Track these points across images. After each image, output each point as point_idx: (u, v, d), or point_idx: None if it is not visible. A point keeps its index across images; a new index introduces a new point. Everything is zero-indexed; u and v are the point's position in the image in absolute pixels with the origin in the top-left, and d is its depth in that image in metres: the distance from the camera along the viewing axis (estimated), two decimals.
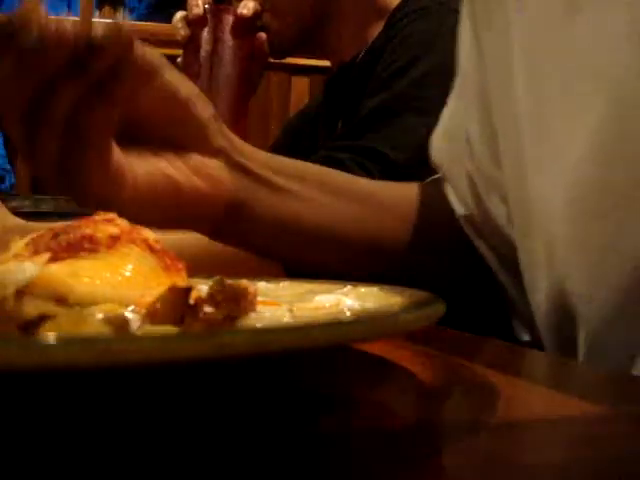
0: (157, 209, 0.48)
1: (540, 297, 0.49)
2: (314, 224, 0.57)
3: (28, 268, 0.28)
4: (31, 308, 0.26)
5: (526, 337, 0.59)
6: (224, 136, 0.51)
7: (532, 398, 0.30)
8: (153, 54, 0.46)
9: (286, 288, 0.40)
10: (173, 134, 0.48)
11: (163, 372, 0.23)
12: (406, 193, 0.65)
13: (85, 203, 0.46)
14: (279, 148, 1.07)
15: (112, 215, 0.33)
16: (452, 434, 0.25)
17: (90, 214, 0.34)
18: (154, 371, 0.22)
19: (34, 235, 0.32)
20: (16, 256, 0.31)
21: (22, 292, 0.27)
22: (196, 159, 0.49)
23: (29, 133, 0.44)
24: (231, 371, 0.27)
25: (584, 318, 0.45)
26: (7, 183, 2.66)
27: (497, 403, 0.29)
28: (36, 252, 0.30)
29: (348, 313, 0.32)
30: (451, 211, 0.63)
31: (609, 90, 0.43)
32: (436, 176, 0.67)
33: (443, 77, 0.80)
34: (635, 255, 0.42)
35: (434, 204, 0.64)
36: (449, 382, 0.33)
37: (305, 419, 0.26)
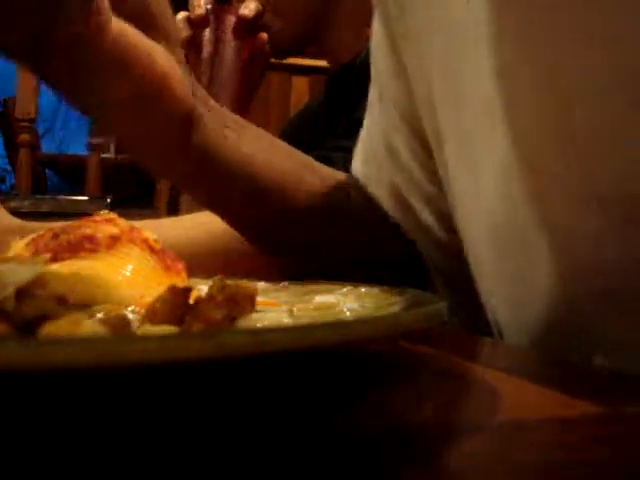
0: (128, 77, 0.46)
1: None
2: (250, 172, 0.56)
3: (28, 268, 0.28)
4: (31, 308, 0.26)
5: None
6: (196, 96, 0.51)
7: (533, 398, 0.30)
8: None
9: (286, 288, 0.40)
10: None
11: (163, 372, 0.23)
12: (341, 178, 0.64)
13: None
14: None
15: (112, 215, 0.34)
16: (453, 434, 0.25)
17: (90, 214, 0.34)
18: (154, 371, 0.22)
19: (34, 235, 0.32)
20: (16, 256, 0.31)
21: (22, 292, 0.27)
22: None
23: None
24: (230, 371, 0.27)
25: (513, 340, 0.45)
26: (7, 183, 2.66)
27: (498, 403, 0.29)
28: (36, 252, 0.30)
29: (348, 314, 0.32)
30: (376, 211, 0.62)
31: (510, 127, 0.42)
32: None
33: None
34: (545, 291, 0.42)
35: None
36: (449, 382, 0.33)
37: (304, 419, 0.26)
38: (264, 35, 0.98)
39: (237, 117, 0.57)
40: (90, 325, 0.24)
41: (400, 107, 0.59)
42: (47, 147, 3.27)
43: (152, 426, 0.25)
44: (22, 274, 0.27)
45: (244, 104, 1.00)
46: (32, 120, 1.85)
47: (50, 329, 0.25)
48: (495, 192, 0.44)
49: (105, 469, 0.21)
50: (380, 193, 0.62)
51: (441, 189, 0.54)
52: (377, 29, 0.61)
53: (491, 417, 0.27)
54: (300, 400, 0.29)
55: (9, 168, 2.60)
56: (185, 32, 0.96)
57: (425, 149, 0.56)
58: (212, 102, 0.54)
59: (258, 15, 0.96)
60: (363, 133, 0.67)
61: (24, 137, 1.85)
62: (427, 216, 0.58)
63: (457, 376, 0.34)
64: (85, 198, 1.81)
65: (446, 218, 0.55)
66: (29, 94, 1.82)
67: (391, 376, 0.34)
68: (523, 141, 0.42)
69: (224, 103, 0.96)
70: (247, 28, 0.97)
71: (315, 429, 0.25)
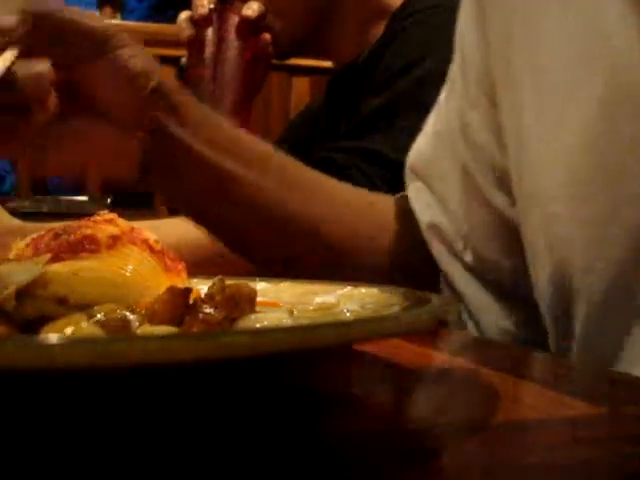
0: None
1: (542, 275, 0.50)
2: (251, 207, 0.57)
3: (29, 269, 0.28)
4: (32, 308, 0.26)
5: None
6: (167, 108, 0.51)
7: (533, 399, 0.30)
8: (108, 31, 0.47)
9: (286, 288, 0.40)
10: (114, 107, 0.49)
11: (163, 373, 0.23)
12: (367, 199, 0.64)
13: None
14: (280, 147, 1.06)
15: (112, 215, 0.34)
16: (453, 434, 0.25)
17: (90, 214, 0.34)
18: (154, 372, 0.22)
19: (35, 236, 0.32)
20: (17, 257, 0.31)
21: (23, 292, 0.27)
22: (117, 137, 0.50)
23: None
24: (231, 372, 0.27)
25: (584, 291, 0.46)
26: (7, 184, 2.66)
27: (498, 403, 0.29)
28: (37, 253, 0.30)
29: (348, 314, 0.32)
30: (414, 228, 0.62)
31: (603, 75, 0.44)
32: (403, 193, 0.66)
33: (445, 78, 0.80)
34: (632, 227, 0.43)
35: (399, 216, 0.63)
36: (450, 382, 0.33)
37: (305, 419, 0.26)
38: (267, 35, 0.98)
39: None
40: (89, 327, 0.24)
41: (479, 81, 0.59)
42: None
43: (151, 425, 0.25)
44: (23, 274, 0.27)
45: (246, 104, 1.00)
46: None
47: (51, 329, 0.25)
48: (580, 143, 0.45)
49: (104, 468, 0.21)
50: (449, 179, 0.62)
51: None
52: (466, 6, 0.61)
53: (490, 417, 0.27)
54: (300, 401, 0.29)
55: (9, 168, 2.59)
56: (188, 31, 0.96)
57: (496, 122, 0.56)
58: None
59: (261, 15, 0.96)
60: (434, 114, 0.66)
61: None
62: (495, 193, 0.58)
63: (456, 376, 0.34)
64: (85, 198, 1.80)
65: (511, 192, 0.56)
66: None
67: (391, 376, 0.34)
68: (616, 88, 0.43)
69: (226, 103, 0.96)
70: (250, 28, 0.97)
71: (315, 429, 0.25)
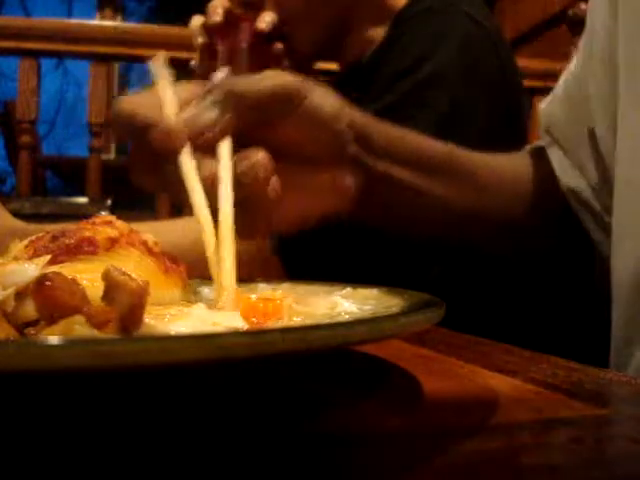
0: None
1: (625, 259, 0.53)
2: (431, 210, 0.61)
3: (28, 270, 0.28)
4: (31, 310, 0.26)
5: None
6: (357, 139, 0.52)
7: (533, 399, 0.30)
8: (292, 85, 0.46)
9: (286, 289, 0.40)
10: (314, 151, 0.49)
11: (162, 374, 0.23)
12: (516, 165, 0.67)
13: None
14: None
15: (111, 218, 0.34)
16: (451, 435, 0.25)
17: (89, 216, 0.34)
18: (154, 373, 0.22)
19: (33, 237, 0.32)
20: (15, 258, 0.31)
21: (22, 294, 0.27)
22: (328, 176, 0.50)
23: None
24: (231, 372, 0.27)
25: None
26: (8, 185, 2.66)
27: (496, 404, 0.29)
28: (35, 254, 0.30)
29: (347, 316, 0.32)
30: (555, 181, 0.66)
31: None
32: (537, 144, 0.70)
33: (448, 79, 0.80)
34: None
35: (541, 174, 0.67)
36: (448, 383, 0.33)
37: (305, 420, 0.26)
38: (279, 45, 0.97)
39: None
40: (83, 330, 0.24)
41: (602, 58, 0.61)
42: (48, 149, 3.28)
43: (150, 427, 0.25)
44: (22, 276, 0.27)
45: None
46: (33, 122, 1.85)
47: (49, 331, 0.25)
48: None
49: (103, 468, 0.21)
50: (574, 135, 0.65)
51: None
52: None
53: (489, 418, 0.27)
54: (300, 401, 0.29)
55: (10, 170, 2.60)
56: (201, 39, 0.96)
57: (611, 99, 0.58)
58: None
59: (274, 26, 0.96)
60: (563, 78, 0.70)
61: (25, 139, 1.85)
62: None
63: (456, 377, 0.34)
64: (86, 200, 1.81)
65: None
66: (30, 96, 1.82)
67: (390, 377, 0.34)
68: None
69: None
70: (263, 38, 0.96)
71: (314, 430, 0.25)
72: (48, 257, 0.29)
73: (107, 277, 0.25)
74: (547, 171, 0.67)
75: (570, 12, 1.73)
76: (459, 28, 0.84)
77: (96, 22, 3.37)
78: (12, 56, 1.91)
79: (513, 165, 0.68)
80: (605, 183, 0.62)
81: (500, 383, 0.32)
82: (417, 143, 0.59)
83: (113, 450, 0.22)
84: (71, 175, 2.67)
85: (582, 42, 0.67)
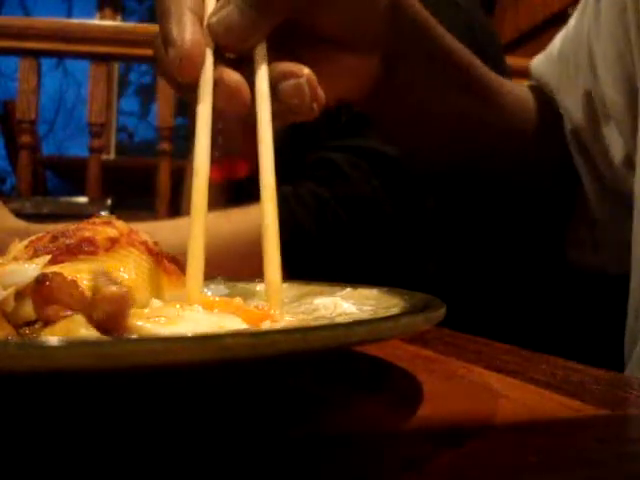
0: None
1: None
2: (446, 114, 0.57)
3: (28, 270, 0.28)
4: (31, 310, 0.26)
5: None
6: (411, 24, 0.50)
7: (534, 400, 0.30)
8: None
9: (286, 290, 0.40)
10: (352, 34, 0.46)
11: (162, 375, 0.23)
12: (525, 96, 0.65)
13: None
14: (280, 142, 1.06)
15: (111, 218, 0.34)
16: (451, 436, 0.25)
17: (89, 217, 0.34)
18: (154, 374, 0.22)
19: (33, 238, 0.32)
20: (15, 258, 0.31)
21: (22, 294, 0.27)
22: (351, 60, 0.47)
23: None
24: (230, 373, 0.27)
25: None
26: (8, 184, 2.66)
27: (496, 405, 0.29)
28: (35, 255, 0.30)
29: (347, 317, 0.32)
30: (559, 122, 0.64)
31: None
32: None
33: None
34: None
35: (548, 110, 0.65)
36: (448, 383, 0.33)
37: (305, 421, 0.26)
38: None
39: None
40: (83, 331, 0.24)
41: (616, 15, 0.59)
42: (48, 149, 3.28)
43: (150, 428, 0.25)
44: (22, 276, 0.27)
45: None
46: (33, 122, 1.85)
47: (49, 331, 0.25)
48: None
49: (103, 469, 0.21)
50: (571, 100, 0.63)
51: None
52: None
53: (491, 419, 0.27)
54: (300, 402, 0.29)
55: (10, 170, 2.60)
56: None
57: (625, 58, 0.57)
58: None
59: None
60: (561, 34, 0.68)
61: (25, 139, 1.85)
62: (609, 131, 0.60)
63: (456, 377, 0.34)
64: (86, 200, 1.81)
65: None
66: (30, 96, 1.82)
67: (390, 377, 0.34)
68: None
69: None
70: None
71: (315, 431, 0.25)
72: (48, 257, 0.29)
73: (92, 280, 0.25)
74: (551, 107, 0.65)
75: (570, 12, 1.73)
76: (450, 18, 0.83)
77: (96, 22, 3.37)
78: (12, 56, 1.91)
79: (525, 93, 0.66)
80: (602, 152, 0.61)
81: (500, 383, 0.32)
82: (450, 40, 0.56)
83: (113, 451, 0.22)
84: (71, 175, 2.67)
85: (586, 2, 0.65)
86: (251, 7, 0.40)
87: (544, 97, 0.67)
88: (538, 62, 0.70)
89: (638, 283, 0.54)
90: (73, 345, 0.19)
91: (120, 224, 0.33)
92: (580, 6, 0.67)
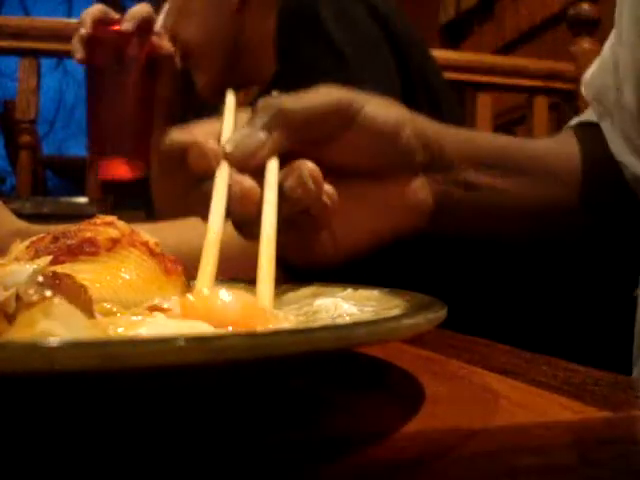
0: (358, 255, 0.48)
1: None
2: (509, 209, 0.57)
3: (29, 270, 0.28)
4: (33, 309, 0.26)
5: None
6: (425, 148, 0.49)
7: (534, 401, 0.30)
8: (345, 96, 0.44)
9: (287, 291, 0.40)
10: (379, 165, 0.47)
11: (162, 376, 0.23)
12: (571, 152, 0.63)
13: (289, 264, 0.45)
14: None
15: (112, 218, 0.34)
16: (453, 438, 0.25)
17: (91, 216, 0.34)
18: (155, 375, 0.22)
19: (34, 238, 0.32)
20: (17, 259, 0.31)
21: (23, 294, 0.27)
22: (398, 190, 0.48)
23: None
24: (230, 374, 0.27)
25: None
26: (8, 184, 2.66)
27: (498, 407, 0.29)
28: (36, 255, 0.30)
29: (347, 318, 0.32)
30: (611, 157, 0.62)
31: None
32: (580, 120, 0.66)
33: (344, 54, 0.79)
34: None
35: (597, 153, 0.62)
36: (448, 385, 0.33)
37: (305, 422, 0.26)
38: (159, 42, 0.95)
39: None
40: (45, 324, 0.24)
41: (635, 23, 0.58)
42: (48, 149, 3.27)
43: (152, 429, 0.25)
44: (22, 277, 0.27)
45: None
46: (33, 122, 1.85)
47: (15, 332, 0.24)
48: None
49: (102, 470, 0.21)
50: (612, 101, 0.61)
51: None
52: None
53: (491, 420, 0.27)
54: (300, 403, 0.29)
55: (10, 170, 2.60)
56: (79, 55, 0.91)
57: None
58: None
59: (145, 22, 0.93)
60: (608, 44, 0.65)
61: (25, 138, 1.85)
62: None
63: (456, 378, 0.34)
64: (86, 200, 1.81)
65: None
66: (30, 96, 1.82)
67: (390, 378, 0.34)
68: None
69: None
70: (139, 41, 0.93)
71: (315, 432, 0.25)
72: (49, 258, 0.29)
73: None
74: (600, 146, 0.62)
75: (570, 12, 1.73)
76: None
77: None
78: (12, 56, 1.91)
79: (564, 147, 0.64)
80: None
81: (501, 384, 0.32)
82: (488, 142, 0.56)
83: (115, 452, 0.22)
84: (71, 175, 2.67)
85: (616, 13, 0.62)
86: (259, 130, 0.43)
87: (586, 137, 0.64)
88: (591, 75, 0.66)
89: None
90: (74, 346, 0.19)
91: (121, 224, 0.33)
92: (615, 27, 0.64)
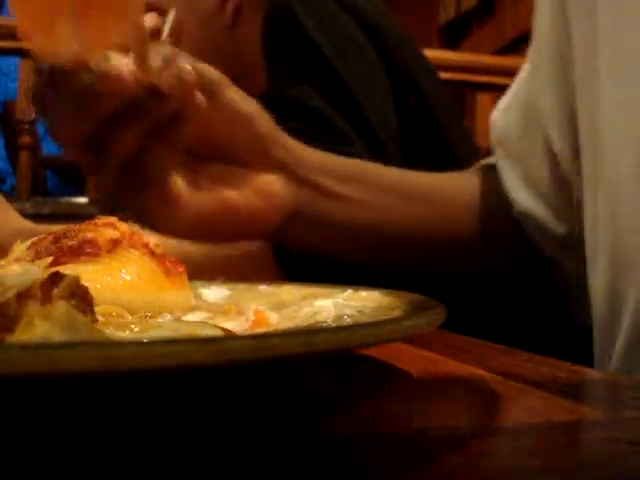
0: (212, 231, 0.49)
1: (600, 259, 0.51)
2: (369, 225, 0.58)
3: (30, 271, 0.28)
4: (33, 311, 0.26)
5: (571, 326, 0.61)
6: (285, 148, 0.52)
7: (533, 402, 0.30)
8: (212, 73, 0.47)
9: (287, 292, 0.40)
10: (236, 151, 0.49)
11: (163, 377, 0.23)
12: (463, 185, 0.65)
13: (142, 223, 0.46)
14: None
15: (113, 219, 0.34)
16: (451, 438, 0.25)
17: (91, 216, 0.34)
18: (156, 376, 0.22)
19: (35, 239, 0.32)
20: (18, 260, 0.31)
21: (24, 295, 0.27)
22: (256, 178, 0.50)
23: (92, 162, 0.45)
24: (232, 375, 0.27)
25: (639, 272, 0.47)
26: (8, 185, 2.66)
27: (496, 407, 0.29)
28: (37, 256, 0.30)
29: (348, 319, 0.32)
30: (507, 201, 0.64)
31: None
32: (487, 161, 0.67)
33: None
34: None
35: (491, 196, 0.64)
36: (449, 385, 0.33)
37: (306, 423, 0.26)
38: None
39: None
40: (46, 325, 0.24)
41: (554, 62, 0.59)
42: (48, 149, 3.27)
43: (153, 430, 0.25)
44: (24, 277, 0.27)
45: None
46: (33, 122, 1.85)
47: (19, 335, 0.24)
48: None
49: (104, 472, 0.21)
50: (529, 146, 0.63)
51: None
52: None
53: (491, 421, 0.27)
54: (301, 404, 0.29)
55: (10, 170, 2.60)
56: None
57: (569, 104, 0.57)
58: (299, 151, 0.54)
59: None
60: (516, 86, 0.67)
61: (25, 139, 1.85)
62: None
63: (456, 379, 0.34)
64: (86, 200, 1.81)
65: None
66: (30, 96, 1.82)
67: (391, 379, 0.34)
68: None
69: None
70: None
71: (316, 433, 0.25)
72: (50, 259, 0.29)
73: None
74: (498, 190, 0.64)
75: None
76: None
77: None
78: (12, 56, 1.91)
79: (457, 185, 0.66)
80: (565, 204, 0.60)
81: (500, 385, 0.32)
82: (349, 160, 0.58)
83: (114, 454, 0.22)
84: (71, 175, 2.67)
85: (531, 50, 0.64)
86: None
87: (489, 178, 0.65)
88: (498, 117, 0.68)
89: (598, 334, 0.54)
90: (75, 348, 0.19)
91: (122, 226, 0.33)
92: (529, 57, 0.65)
